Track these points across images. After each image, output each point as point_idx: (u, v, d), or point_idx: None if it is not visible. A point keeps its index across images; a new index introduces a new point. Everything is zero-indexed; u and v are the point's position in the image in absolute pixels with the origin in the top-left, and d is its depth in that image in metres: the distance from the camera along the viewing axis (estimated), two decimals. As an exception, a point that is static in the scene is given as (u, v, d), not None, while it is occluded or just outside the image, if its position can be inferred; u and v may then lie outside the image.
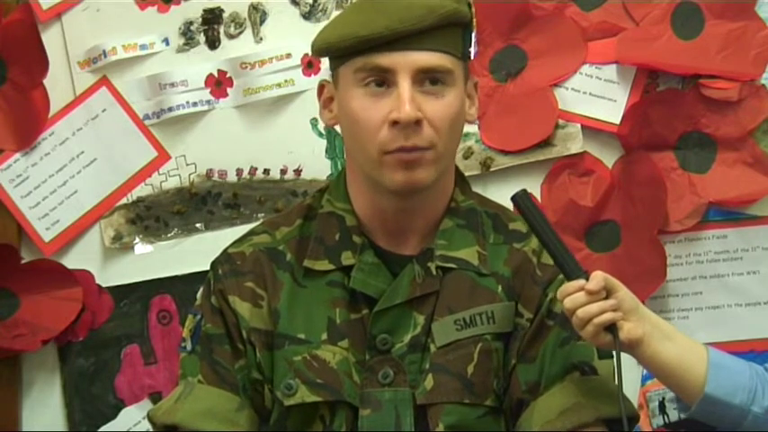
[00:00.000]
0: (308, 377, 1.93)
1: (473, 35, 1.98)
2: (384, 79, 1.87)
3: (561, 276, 1.85)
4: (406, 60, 1.86)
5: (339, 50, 1.89)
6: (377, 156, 1.88)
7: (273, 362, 1.96)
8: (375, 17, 1.85)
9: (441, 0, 1.87)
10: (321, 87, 1.99)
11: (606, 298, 1.80)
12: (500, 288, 1.95)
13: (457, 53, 1.90)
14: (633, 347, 1.82)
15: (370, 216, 1.97)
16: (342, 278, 1.95)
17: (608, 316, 1.79)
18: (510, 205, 1.94)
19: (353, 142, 1.92)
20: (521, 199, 1.86)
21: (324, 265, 1.96)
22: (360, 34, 1.85)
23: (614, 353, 1.81)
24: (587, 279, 1.80)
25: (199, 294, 2.04)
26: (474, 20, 1.99)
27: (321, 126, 2.52)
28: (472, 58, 2.02)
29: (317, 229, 1.99)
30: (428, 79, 1.87)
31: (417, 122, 1.85)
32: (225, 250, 2.04)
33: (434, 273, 1.93)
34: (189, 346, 2.00)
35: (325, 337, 1.94)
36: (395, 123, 1.85)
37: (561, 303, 1.82)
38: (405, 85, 1.85)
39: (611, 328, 1.80)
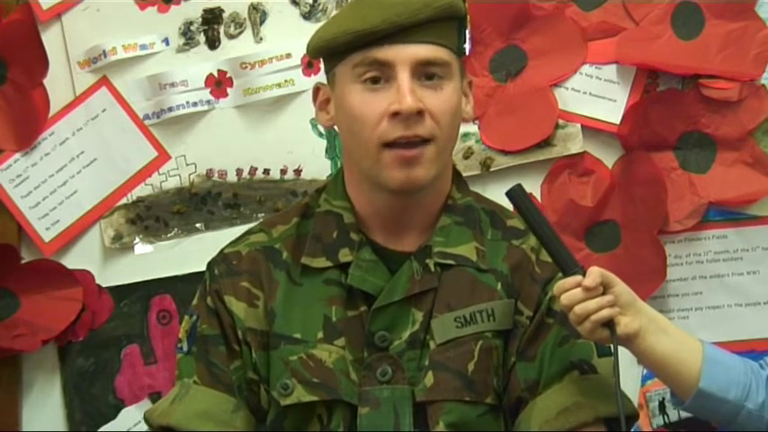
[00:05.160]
0: (305, 377, 1.92)
1: (467, 31, 1.99)
2: (382, 73, 1.87)
3: (560, 274, 1.85)
4: (405, 53, 1.86)
5: (337, 47, 1.89)
6: (376, 150, 1.87)
7: (269, 362, 1.95)
8: (371, 12, 1.86)
9: None
10: (316, 90, 1.99)
11: (603, 293, 1.80)
12: (499, 285, 1.94)
13: (453, 47, 1.91)
14: (629, 341, 1.82)
15: (368, 213, 1.96)
16: (339, 276, 1.95)
17: (606, 312, 1.79)
18: (509, 205, 1.94)
19: (352, 139, 1.92)
20: (516, 194, 1.86)
21: (321, 262, 1.95)
22: (357, 29, 1.86)
23: (612, 348, 1.81)
24: (583, 274, 1.80)
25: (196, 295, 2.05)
26: (468, 15, 2.00)
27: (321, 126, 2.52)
28: (467, 54, 2.02)
29: (314, 227, 1.98)
30: (426, 72, 1.88)
31: (419, 113, 1.85)
32: (221, 250, 2.04)
33: (433, 269, 1.93)
34: (185, 347, 2.00)
35: (320, 335, 1.93)
36: (395, 115, 1.85)
37: (558, 299, 1.82)
38: (404, 77, 1.86)
39: (609, 323, 1.80)
